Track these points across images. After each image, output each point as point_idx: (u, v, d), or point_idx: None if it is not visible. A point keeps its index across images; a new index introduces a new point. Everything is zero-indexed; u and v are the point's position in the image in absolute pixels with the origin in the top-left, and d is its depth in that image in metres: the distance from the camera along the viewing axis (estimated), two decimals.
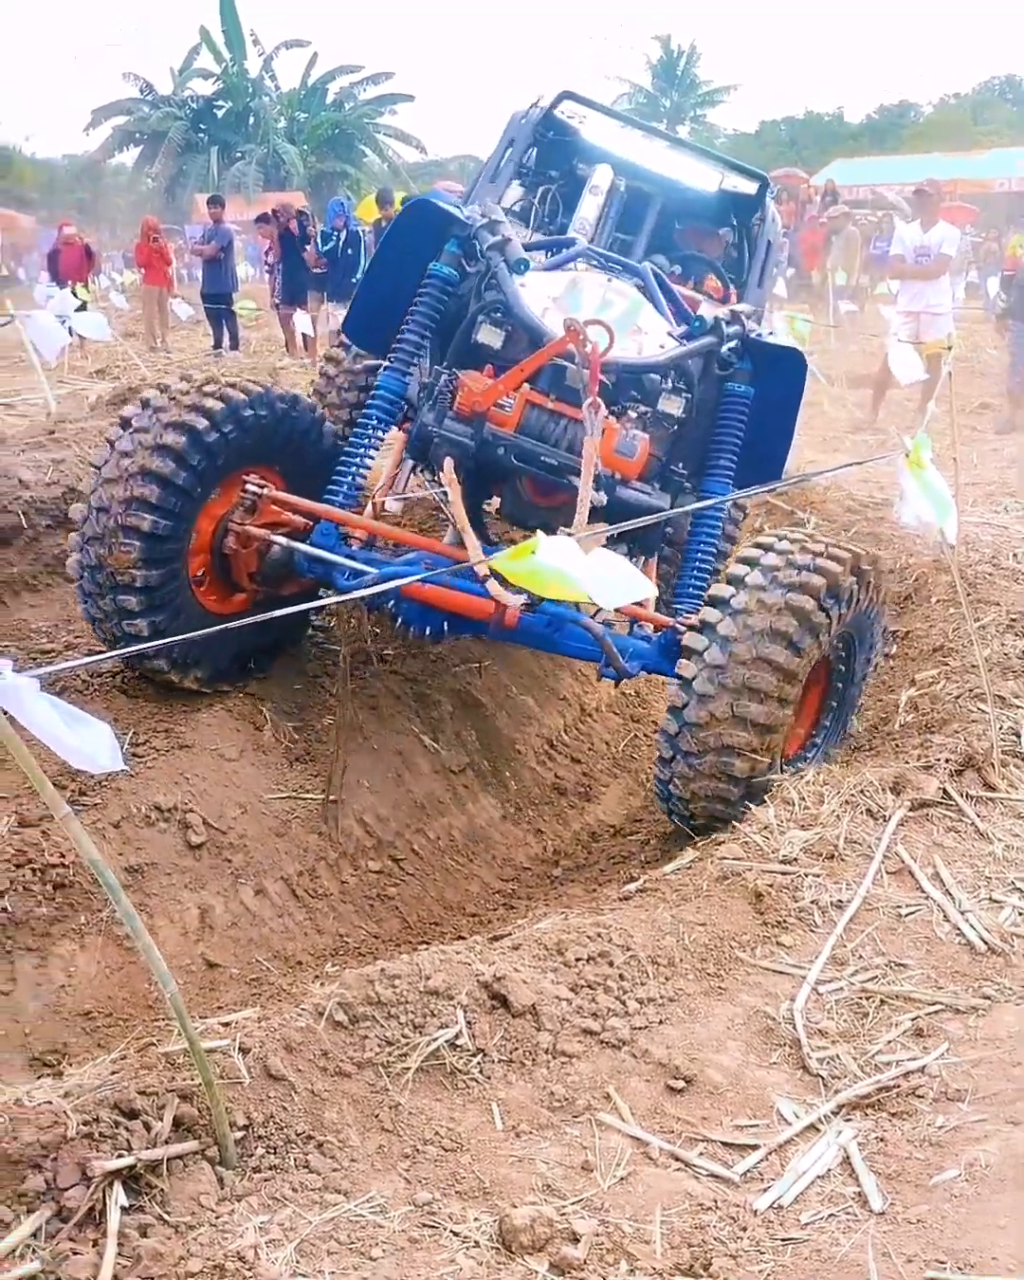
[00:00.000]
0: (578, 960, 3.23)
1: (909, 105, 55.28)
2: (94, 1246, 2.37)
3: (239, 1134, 2.64)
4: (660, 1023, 3.12)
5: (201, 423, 4.52)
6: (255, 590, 4.96)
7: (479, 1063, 2.91)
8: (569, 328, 4.32)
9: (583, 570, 3.43)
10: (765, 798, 4.18)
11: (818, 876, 3.76)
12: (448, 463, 4.52)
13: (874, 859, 3.85)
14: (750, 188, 6.08)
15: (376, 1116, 2.77)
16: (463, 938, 4.23)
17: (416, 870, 4.97)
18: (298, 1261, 2.38)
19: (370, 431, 4.95)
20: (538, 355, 4.50)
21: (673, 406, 4.72)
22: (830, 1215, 2.60)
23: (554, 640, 4.67)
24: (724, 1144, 2.80)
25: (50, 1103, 2.61)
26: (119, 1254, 2.36)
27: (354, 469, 4.91)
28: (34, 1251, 2.34)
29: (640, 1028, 3.09)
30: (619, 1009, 3.12)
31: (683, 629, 4.42)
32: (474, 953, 3.22)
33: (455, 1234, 2.47)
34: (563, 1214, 2.50)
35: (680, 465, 4.90)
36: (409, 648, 5.69)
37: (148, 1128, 2.57)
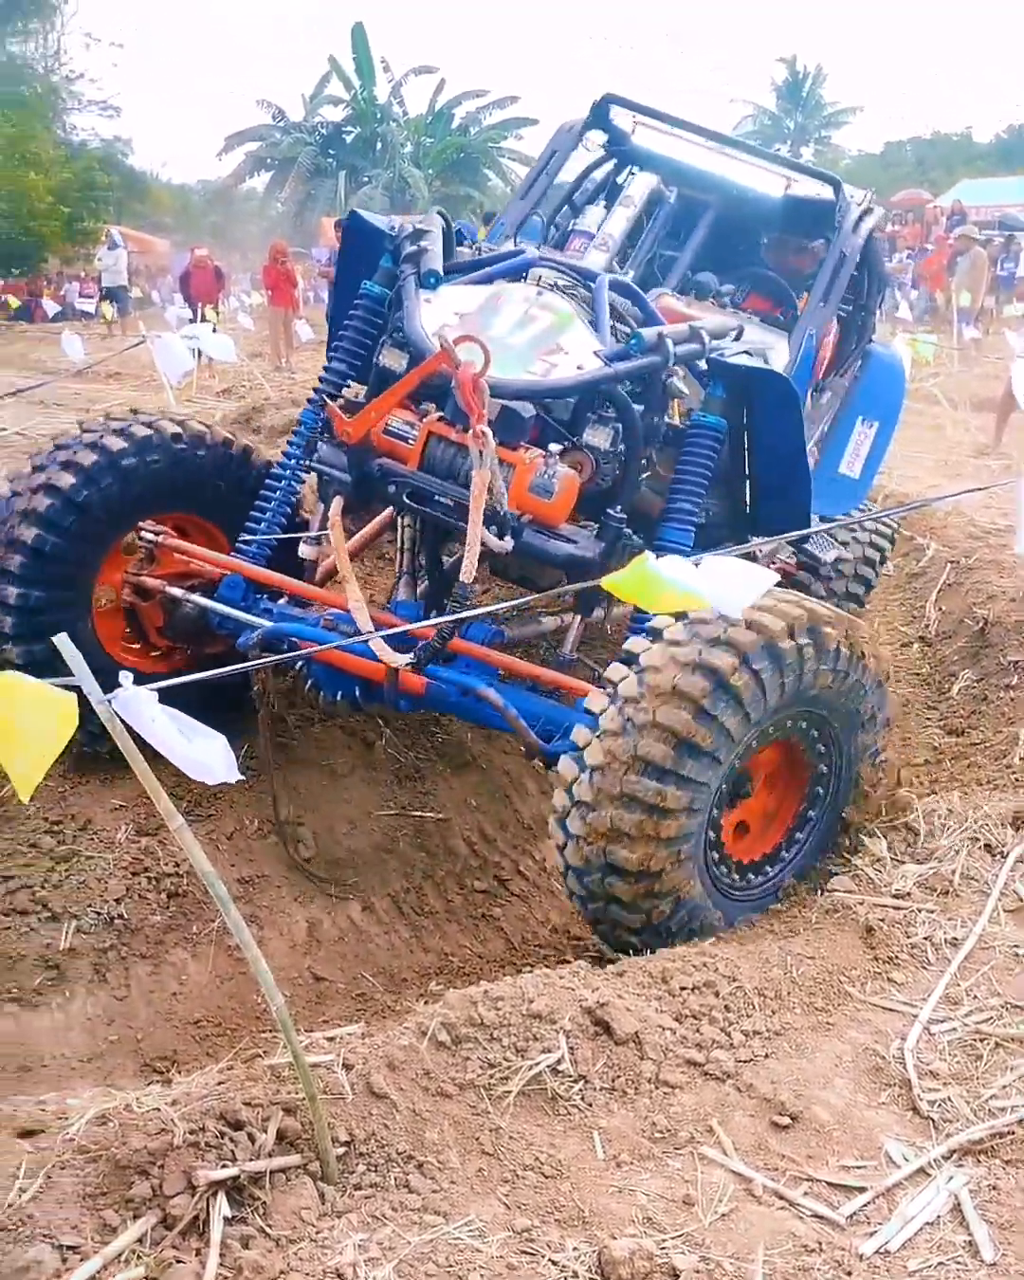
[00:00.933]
0: (682, 989, 3.19)
1: None
2: (197, 1256, 2.40)
3: (341, 1150, 2.65)
4: (766, 1056, 3.06)
5: (67, 481, 4.21)
6: (179, 648, 4.62)
7: (580, 1089, 2.89)
8: (441, 347, 3.82)
9: (698, 579, 3.37)
10: (676, 906, 3.57)
11: (932, 912, 3.67)
12: (335, 502, 4.22)
13: (991, 896, 3.75)
14: (824, 192, 5.39)
15: (477, 1139, 2.76)
16: (566, 961, 4.22)
17: (522, 891, 4.97)
18: None
19: (288, 469, 4.59)
20: (407, 378, 4.03)
21: (599, 438, 4.08)
22: (939, 1263, 2.53)
23: (473, 711, 4.09)
24: (830, 1184, 2.74)
25: (159, 1110, 2.66)
26: (220, 1264, 2.38)
27: (272, 510, 4.51)
28: (139, 1257, 2.38)
29: (745, 1061, 3.04)
30: (724, 1040, 3.08)
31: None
32: (578, 977, 3.20)
33: (554, 1263, 2.45)
34: (663, 1248, 2.46)
35: (617, 508, 4.10)
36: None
37: (252, 1140, 2.60)
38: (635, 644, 3.64)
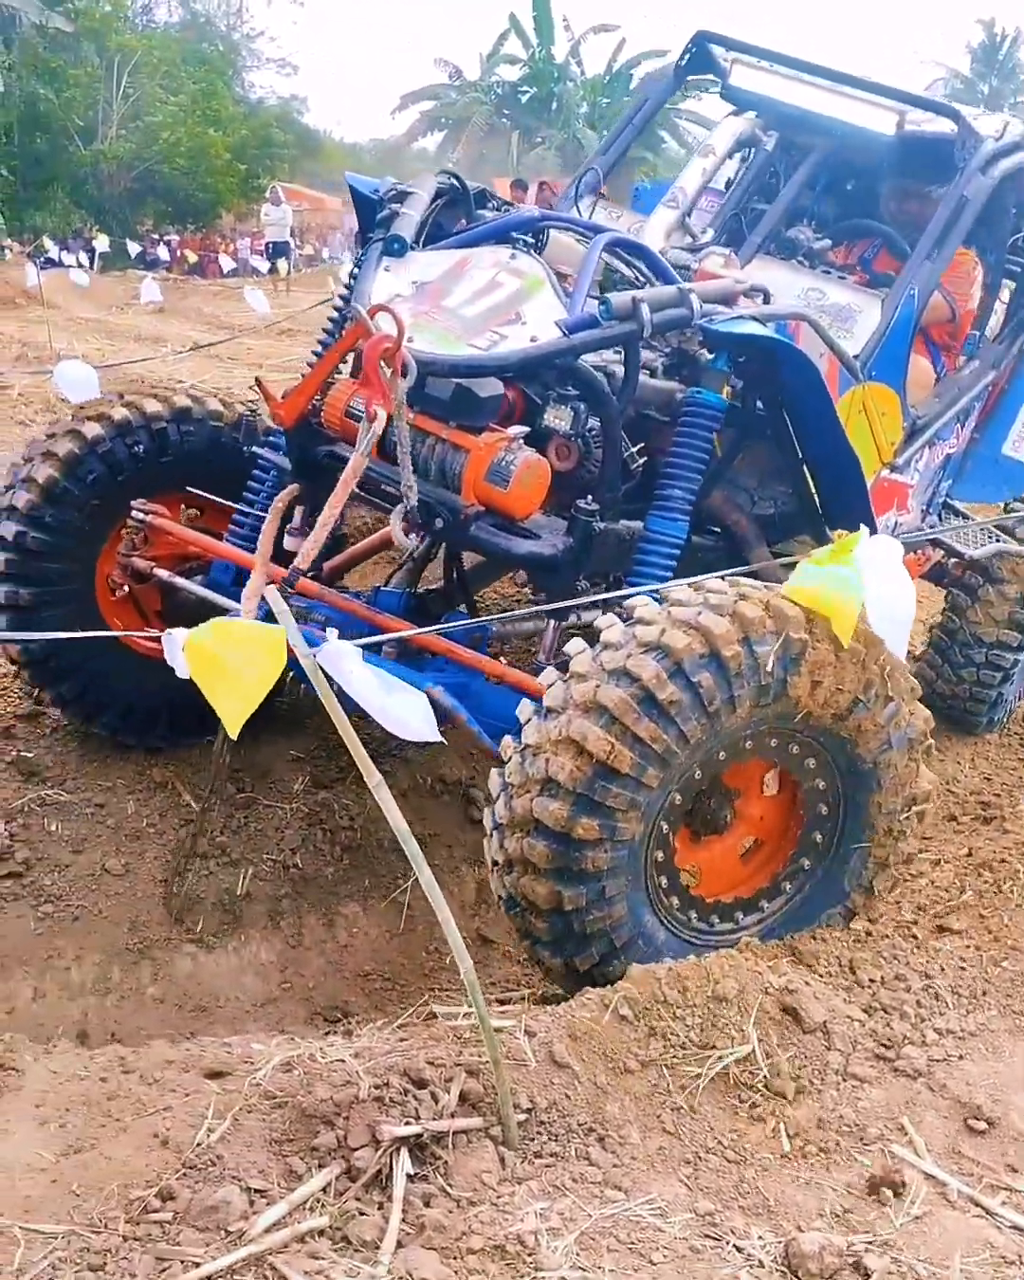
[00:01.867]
0: (871, 982, 3.10)
1: None
2: (379, 1210, 2.40)
3: (522, 1117, 2.63)
4: (960, 1057, 2.95)
5: (47, 473, 4.01)
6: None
7: (765, 1075, 2.82)
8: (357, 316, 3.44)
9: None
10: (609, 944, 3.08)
11: None
12: (288, 490, 3.90)
13: None
14: (946, 127, 4.61)
15: (658, 1117, 2.72)
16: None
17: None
18: (578, 1254, 2.35)
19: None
20: (329, 354, 3.70)
21: (559, 420, 3.61)
22: None
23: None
24: None
25: (343, 1062, 2.68)
26: (403, 1220, 2.38)
27: (265, 492, 4.14)
28: (323, 1206, 2.40)
29: (938, 1060, 2.93)
30: (915, 1037, 2.98)
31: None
32: (763, 960, 3.12)
33: (738, 1249, 2.40)
34: (853, 1247, 2.39)
35: (588, 499, 3.60)
36: None
37: (435, 1099, 2.59)
38: (572, 645, 3.18)
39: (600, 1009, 2.89)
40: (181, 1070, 2.70)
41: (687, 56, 5.05)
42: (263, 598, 3.43)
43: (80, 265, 24.35)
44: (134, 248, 27.86)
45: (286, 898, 4.14)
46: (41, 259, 23.54)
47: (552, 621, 3.77)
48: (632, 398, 3.65)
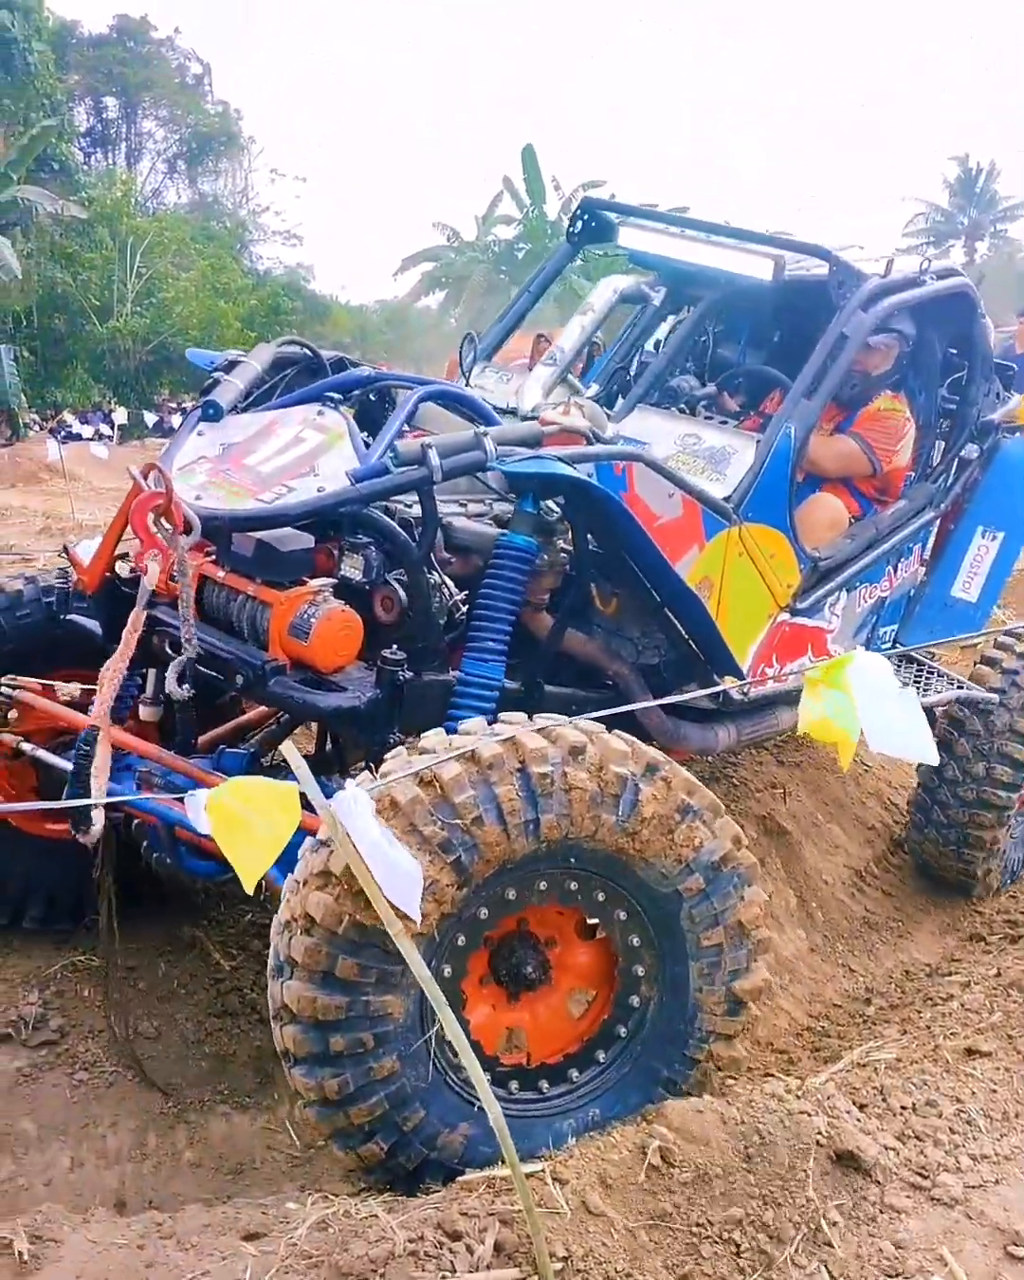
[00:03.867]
0: (903, 1108, 3.09)
1: None
2: None
3: (559, 1265, 2.62)
4: (996, 1182, 2.93)
5: None
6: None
7: (804, 1213, 2.80)
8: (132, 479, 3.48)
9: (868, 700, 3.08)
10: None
11: None
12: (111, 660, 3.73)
13: None
14: (821, 269, 4.63)
15: (697, 1263, 2.69)
16: (771, 1075, 4.12)
17: None
18: None
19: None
20: (117, 516, 3.76)
21: (353, 569, 3.62)
22: None
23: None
24: None
25: (377, 1217, 2.68)
26: None
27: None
28: None
29: (974, 1186, 2.91)
30: (950, 1164, 2.96)
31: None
32: (794, 1096, 3.11)
33: None
34: None
35: (393, 648, 3.49)
36: (711, 766, 5.67)
37: (470, 1251, 2.59)
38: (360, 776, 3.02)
39: (635, 1155, 2.88)
40: (218, 1233, 2.72)
41: (578, 223, 5.22)
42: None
43: (100, 437, 25.15)
44: (151, 417, 28.79)
45: None
46: (62, 433, 24.34)
47: (367, 768, 3.62)
48: (432, 544, 3.64)
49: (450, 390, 4.18)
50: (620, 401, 5.18)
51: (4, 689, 4.04)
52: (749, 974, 3.17)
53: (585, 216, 5.19)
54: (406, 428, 3.96)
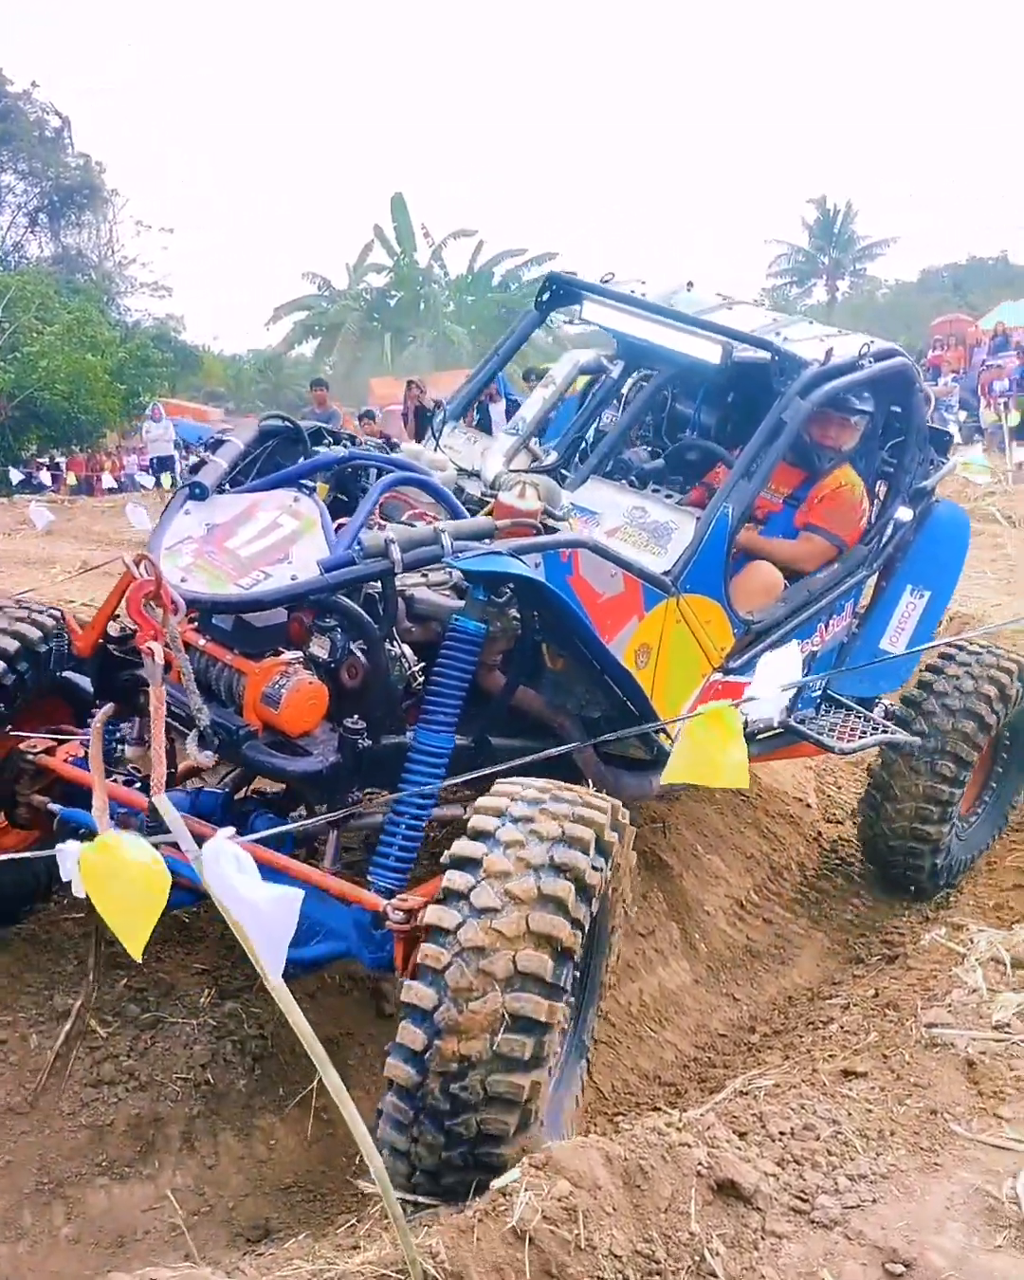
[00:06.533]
0: (781, 1134, 3.12)
1: None
2: None
3: None
4: (874, 1201, 2.97)
5: None
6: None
7: (687, 1246, 2.81)
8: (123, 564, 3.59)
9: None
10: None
11: None
12: (103, 710, 4.01)
13: None
14: (765, 356, 5.02)
15: None
16: (658, 1109, 4.13)
17: (609, 1036, 4.88)
18: None
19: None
20: (113, 592, 4.05)
21: (320, 648, 3.86)
22: None
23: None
24: None
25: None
26: None
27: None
28: None
29: (852, 1206, 2.94)
30: (829, 1186, 2.99)
31: (391, 909, 3.36)
32: (675, 1129, 3.12)
33: None
34: None
35: (355, 717, 3.82)
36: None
37: None
38: (460, 847, 3.25)
39: (531, 1212, 2.83)
40: None
41: (546, 293, 5.65)
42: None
43: None
44: (17, 475, 28.21)
45: (200, 1117, 4.03)
46: None
47: (333, 831, 4.05)
48: (393, 623, 3.95)
49: (414, 477, 4.45)
50: (578, 465, 5.55)
51: (25, 751, 4.20)
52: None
53: (554, 287, 5.62)
54: (372, 515, 4.19)
